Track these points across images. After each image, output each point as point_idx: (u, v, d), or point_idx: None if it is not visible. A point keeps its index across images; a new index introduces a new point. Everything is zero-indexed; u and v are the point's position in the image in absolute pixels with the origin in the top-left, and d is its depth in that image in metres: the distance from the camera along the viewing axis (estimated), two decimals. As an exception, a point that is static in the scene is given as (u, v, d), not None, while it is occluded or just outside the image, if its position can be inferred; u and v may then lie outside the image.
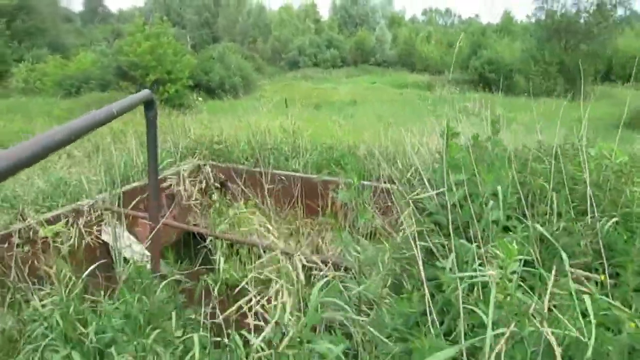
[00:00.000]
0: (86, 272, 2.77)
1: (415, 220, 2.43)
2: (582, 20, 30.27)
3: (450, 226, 2.58)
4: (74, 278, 2.46)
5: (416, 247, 2.05)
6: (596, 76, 29.67)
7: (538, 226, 2.34)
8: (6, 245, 3.92)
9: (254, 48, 45.47)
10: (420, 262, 1.98)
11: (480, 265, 2.02)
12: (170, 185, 6.14)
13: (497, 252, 1.91)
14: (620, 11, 31.01)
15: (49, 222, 4.45)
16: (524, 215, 2.59)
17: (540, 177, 2.74)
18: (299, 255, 4.01)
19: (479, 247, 2.11)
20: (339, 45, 45.09)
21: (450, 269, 2.02)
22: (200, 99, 21.21)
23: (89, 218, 4.69)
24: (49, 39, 35.13)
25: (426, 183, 2.74)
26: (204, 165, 6.47)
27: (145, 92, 2.22)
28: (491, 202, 2.13)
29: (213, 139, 6.80)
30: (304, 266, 4.45)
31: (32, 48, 32.15)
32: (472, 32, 42.62)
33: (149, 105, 2.33)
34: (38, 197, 4.77)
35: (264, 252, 4.34)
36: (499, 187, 2.15)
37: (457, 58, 38.25)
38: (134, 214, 5.37)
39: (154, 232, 3.23)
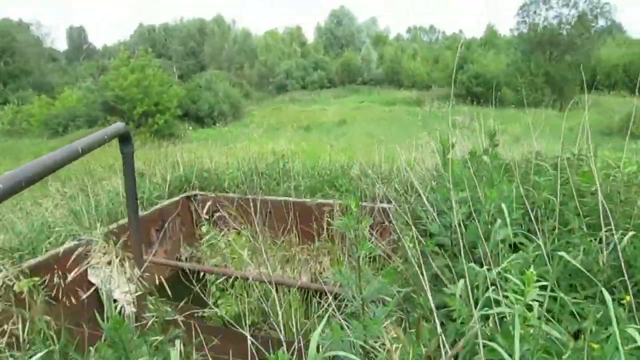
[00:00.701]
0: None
1: (417, 242, 2.28)
2: (564, 32, 30.72)
3: (455, 248, 2.43)
4: (53, 335, 2.27)
5: (422, 273, 1.90)
6: (582, 85, 30.00)
7: (548, 244, 2.19)
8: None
9: (241, 74, 45.71)
10: (428, 290, 1.83)
11: (492, 290, 1.85)
12: (161, 219, 5.95)
13: (510, 276, 1.76)
14: (601, 22, 31.55)
15: (33, 269, 4.25)
16: (530, 231, 2.44)
17: (545, 190, 2.60)
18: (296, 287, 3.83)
19: (489, 269, 1.95)
20: (326, 67, 45.46)
21: (461, 296, 1.86)
22: (190, 128, 21.14)
23: (74, 260, 4.50)
24: (34, 80, 35.11)
25: (425, 202, 2.59)
26: (194, 196, 6.30)
27: (118, 126, 2.06)
28: (498, 221, 1.98)
29: (202, 169, 6.65)
30: (303, 294, 4.26)
31: (17, 90, 32.08)
32: (457, 47, 43.15)
33: (124, 139, 2.17)
34: (22, 243, 4.57)
35: (258, 284, 4.15)
36: (503, 205, 2.00)
37: (443, 73, 38.66)
38: (123, 253, 5.18)
39: (139, 272, 3.05)
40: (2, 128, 24.74)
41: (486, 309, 1.71)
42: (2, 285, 3.70)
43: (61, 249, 4.57)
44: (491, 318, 1.74)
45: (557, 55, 30.77)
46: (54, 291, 4.45)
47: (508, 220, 1.95)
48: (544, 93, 28.48)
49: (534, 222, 2.21)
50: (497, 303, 1.72)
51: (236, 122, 27.54)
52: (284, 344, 2.35)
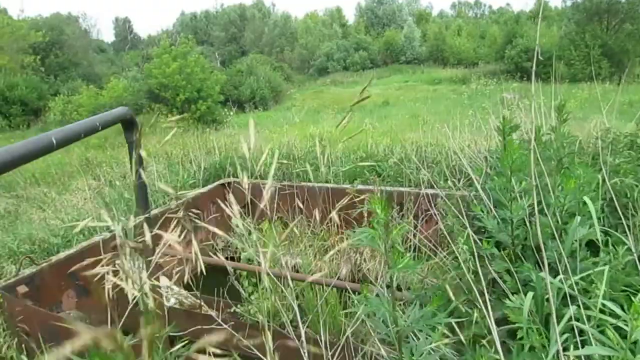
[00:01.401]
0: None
1: (469, 239, 1.90)
2: (623, 0, 28.50)
3: (517, 248, 2.03)
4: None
5: (479, 281, 1.53)
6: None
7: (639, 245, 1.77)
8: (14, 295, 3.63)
9: (281, 58, 45.44)
10: (489, 305, 1.47)
11: (572, 303, 1.46)
12: (195, 207, 5.78)
13: (597, 290, 1.38)
14: (663, -12, 29.07)
15: (63, 263, 4.15)
16: (611, 228, 2.01)
17: (628, 176, 2.15)
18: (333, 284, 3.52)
19: (565, 278, 1.55)
20: (368, 47, 44.45)
21: (530, 313, 1.49)
22: (232, 113, 21.11)
23: (105, 253, 4.37)
24: (82, 71, 36.12)
25: (480, 192, 2.20)
26: (229, 184, 6.09)
27: (121, 110, 1.79)
28: (577, 217, 1.58)
29: (238, 155, 6.42)
30: (341, 292, 3.95)
31: (67, 81, 33.08)
32: (505, 21, 41.10)
33: (128, 126, 1.90)
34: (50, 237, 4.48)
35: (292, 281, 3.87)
36: (586, 197, 1.59)
37: (490, 49, 36.98)
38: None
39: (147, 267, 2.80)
40: (54, 119, 25.60)
41: (565, 335, 1.33)
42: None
43: (91, 242, 4.47)
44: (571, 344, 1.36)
45: (615, 25, 28.62)
46: (86, 284, 4.34)
47: (594, 213, 1.54)
48: (601, 66, 26.63)
49: (621, 216, 1.79)
50: (581, 332, 1.34)
51: (277, 106, 27.40)
52: (322, 343, 2.07)
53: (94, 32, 56.70)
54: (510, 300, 1.58)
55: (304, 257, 5.31)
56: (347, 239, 4.61)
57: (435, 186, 4.60)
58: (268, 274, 3.48)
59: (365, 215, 5.01)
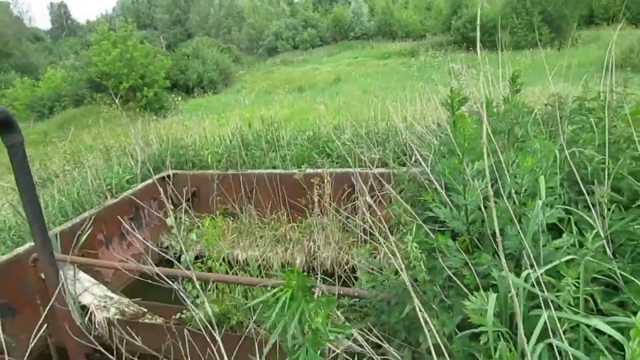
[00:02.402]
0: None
1: (422, 234, 1.67)
2: (561, -34, 29.05)
3: (473, 236, 1.82)
4: None
5: (440, 285, 1.31)
6: (580, 21, 28.71)
7: (605, 223, 1.60)
8: None
9: (229, 39, 44.20)
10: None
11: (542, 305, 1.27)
12: (133, 206, 5.37)
13: (567, 287, 1.17)
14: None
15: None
16: (574, 205, 1.84)
17: (586, 145, 1.97)
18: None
19: (533, 271, 1.35)
20: (316, 24, 43.76)
21: (497, 314, 1.27)
22: (179, 98, 20.33)
23: (32, 266, 3.94)
24: (16, 61, 33.90)
25: (430, 176, 1.97)
26: (169, 176, 5.70)
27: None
28: (539, 201, 1.37)
29: (178, 145, 6.01)
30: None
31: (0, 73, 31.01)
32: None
33: (6, 127, 1.54)
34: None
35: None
36: (541, 178, 1.39)
37: (436, 20, 37.19)
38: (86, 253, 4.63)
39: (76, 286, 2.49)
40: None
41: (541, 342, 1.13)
42: None
43: (10, 256, 4.03)
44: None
45: (553, -9, 29.25)
46: (11, 300, 3.91)
47: (544, 195, 1.34)
48: (542, 32, 27.22)
49: (583, 191, 1.60)
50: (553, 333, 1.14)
51: (227, 89, 26.66)
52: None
53: (26, 19, 53.27)
54: (469, 301, 1.36)
55: (255, 250, 5.03)
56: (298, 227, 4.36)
57: (386, 163, 4.41)
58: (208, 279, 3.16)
59: (316, 200, 4.77)
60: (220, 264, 4.02)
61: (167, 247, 5.44)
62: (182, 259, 3.67)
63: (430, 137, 3.56)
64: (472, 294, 1.36)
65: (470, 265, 1.53)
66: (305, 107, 12.69)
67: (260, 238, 5.08)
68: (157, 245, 5.59)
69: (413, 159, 4.12)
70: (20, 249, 4.08)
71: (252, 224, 5.19)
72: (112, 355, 4.00)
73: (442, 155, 2.48)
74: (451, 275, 1.54)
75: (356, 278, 4.04)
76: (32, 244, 4.15)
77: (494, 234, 1.58)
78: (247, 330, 3.33)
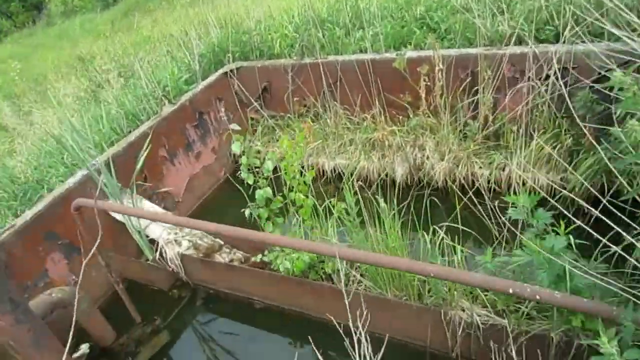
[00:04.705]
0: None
1: None
2: None
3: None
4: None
5: None
6: None
7: None
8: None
9: None
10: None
11: None
12: (196, 111, 4.53)
13: None
14: None
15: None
16: None
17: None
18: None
19: None
20: None
21: None
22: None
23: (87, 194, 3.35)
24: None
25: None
26: (237, 69, 4.71)
27: None
28: None
29: (240, 30, 4.90)
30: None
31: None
32: None
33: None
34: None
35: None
36: None
37: None
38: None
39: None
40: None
41: None
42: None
43: (61, 190, 3.44)
44: None
45: None
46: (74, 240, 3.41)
47: None
48: None
49: None
50: None
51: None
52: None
53: None
54: None
55: (343, 157, 4.10)
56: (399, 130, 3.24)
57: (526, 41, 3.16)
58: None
59: (423, 95, 3.62)
60: (303, 181, 3.13)
61: (240, 155, 4.68)
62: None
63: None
64: None
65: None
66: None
67: (350, 143, 4.12)
68: (228, 153, 4.85)
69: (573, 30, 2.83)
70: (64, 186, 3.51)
71: (339, 125, 4.21)
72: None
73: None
74: None
75: (480, 196, 3.05)
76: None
77: None
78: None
